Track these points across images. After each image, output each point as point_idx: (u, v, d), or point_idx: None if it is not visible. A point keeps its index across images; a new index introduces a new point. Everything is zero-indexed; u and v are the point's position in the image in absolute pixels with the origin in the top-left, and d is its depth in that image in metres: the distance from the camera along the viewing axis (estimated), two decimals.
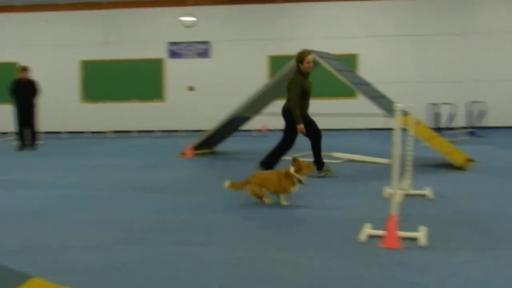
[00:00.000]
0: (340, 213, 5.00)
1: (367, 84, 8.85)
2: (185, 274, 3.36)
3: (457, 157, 7.66)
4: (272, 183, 5.27)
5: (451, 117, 12.02)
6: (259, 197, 5.33)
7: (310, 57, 6.94)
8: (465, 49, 14.87)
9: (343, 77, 7.82)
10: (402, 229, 4.04)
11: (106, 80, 15.92)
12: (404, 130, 5.70)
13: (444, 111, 12.00)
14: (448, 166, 7.51)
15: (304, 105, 7.01)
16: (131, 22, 15.73)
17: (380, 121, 10.84)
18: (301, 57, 6.96)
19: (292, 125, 6.90)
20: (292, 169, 5.20)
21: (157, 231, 4.45)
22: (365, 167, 7.80)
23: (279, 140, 7.16)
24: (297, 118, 6.85)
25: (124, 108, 15.52)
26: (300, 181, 5.23)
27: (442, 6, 14.78)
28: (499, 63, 14.74)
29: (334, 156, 8.82)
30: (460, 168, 7.39)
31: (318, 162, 7.05)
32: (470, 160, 7.97)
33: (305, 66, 6.95)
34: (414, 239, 3.93)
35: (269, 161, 7.13)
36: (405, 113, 6.03)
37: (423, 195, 5.61)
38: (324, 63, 7.88)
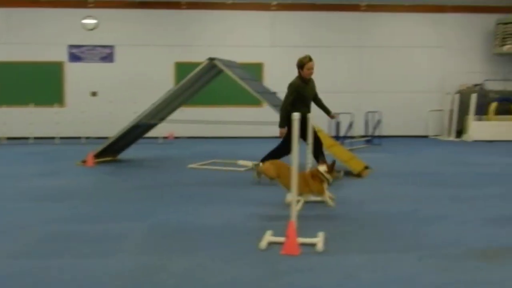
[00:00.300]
0: (243, 220, 5.05)
1: (271, 93, 9.05)
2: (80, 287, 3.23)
3: (355, 165, 8.05)
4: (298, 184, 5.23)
5: (351, 126, 12.63)
6: (260, 174, 5.52)
7: (311, 64, 7.04)
8: (363, 61, 15.70)
9: (247, 85, 7.93)
10: (302, 235, 4.17)
11: (0, 83, 14.92)
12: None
13: (344, 120, 12.58)
14: (348, 173, 7.86)
15: (302, 110, 6.73)
16: (29, 22, 14.88)
17: None
18: (302, 63, 7.06)
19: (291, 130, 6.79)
20: (322, 168, 5.33)
21: (53, 242, 4.23)
22: None
23: (279, 143, 7.24)
24: (282, 120, 6.90)
25: (20, 113, 14.61)
26: (328, 181, 5.35)
27: (342, 20, 15.50)
28: (393, 76, 15.72)
29: (239, 163, 8.91)
30: (358, 175, 7.76)
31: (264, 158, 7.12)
32: (367, 167, 8.41)
33: (305, 72, 7.05)
34: (313, 245, 4.07)
35: (268, 157, 7.14)
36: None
37: (323, 201, 5.82)
38: (228, 71, 7.95)
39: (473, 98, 14.49)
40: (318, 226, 4.63)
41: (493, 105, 14.62)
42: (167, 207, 5.65)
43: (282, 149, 7.21)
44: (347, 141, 12.31)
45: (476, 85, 15.44)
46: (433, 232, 4.64)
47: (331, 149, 7.88)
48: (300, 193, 5.28)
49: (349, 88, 15.61)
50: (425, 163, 9.69)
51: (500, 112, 14.67)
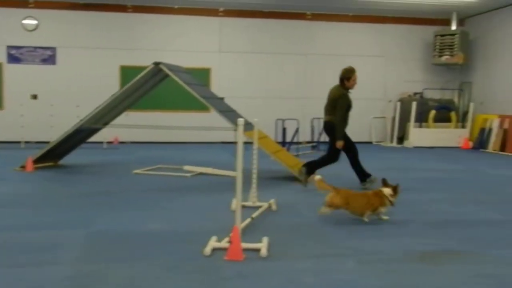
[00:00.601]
0: (188, 226, 5.01)
1: (217, 98, 9.04)
2: None
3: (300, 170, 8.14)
4: (359, 203, 5.31)
5: (297, 131, 12.79)
6: (332, 208, 5.31)
7: (356, 75, 7.25)
8: (309, 68, 15.96)
9: (193, 90, 7.89)
10: (247, 240, 4.18)
11: None
12: (251, 144, 5.93)
13: (291, 126, 12.73)
14: (293, 178, 7.95)
15: (347, 120, 7.23)
16: None
17: (231, 135, 11.12)
18: (349, 74, 7.27)
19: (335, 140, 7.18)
20: (387, 191, 5.35)
21: None
22: (216, 180, 7.92)
23: (325, 152, 7.55)
24: (339, 133, 7.13)
25: None
26: (391, 203, 5.35)
27: (289, 27, 15.70)
28: (335, 83, 16.01)
29: (185, 169, 8.80)
30: (303, 181, 7.85)
31: (362, 175, 7.46)
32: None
33: (351, 83, 7.28)
34: (257, 250, 4.08)
35: (313, 166, 7.45)
36: (250, 127, 6.26)
37: (268, 207, 5.85)
38: (174, 76, 7.88)
39: (414, 106, 15.01)
40: (263, 232, 4.65)
41: (432, 113, 15.19)
42: (109, 213, 5.52)
43: (327, 161, 7.46)
44: (293, 146, 12.45)
45: (416, 93, 16.01)
46: (373, 236, 4.76)
47: (276, 155, 7.95)
48: (362, 213, 5.32)
49: (295, 94, 15.81)
50: (368, 168, 9.91)
51: (438, 119, 15.27)
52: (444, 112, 15.37)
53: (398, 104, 15.64)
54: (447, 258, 4.12)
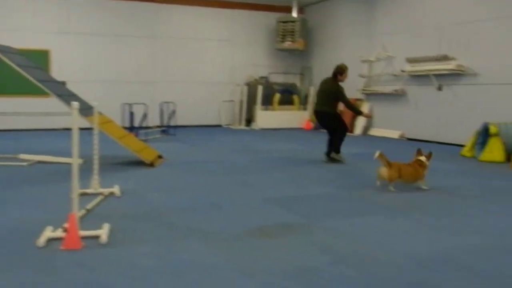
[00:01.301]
0: (22, 219, 4.65)
1: (56, 82, 8.48)
2: None
3: (147, 154, 8.03)
4: (410, 173, 6.12)
5: (145, 116, 12.55)
6: (389, 181, 6.05)
7: (348, 72, 8.61)
8: (157, 52, 15.71)
9: (27, 73, 7.29)
10: (87, 228, 4.02)
11: None
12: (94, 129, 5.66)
13: (139, 111, 12.44)
14: (140, 164, 7.80)
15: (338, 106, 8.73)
16: None
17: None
18: (343, 70, 8.51)
19: (334, 120, 8.59)
20: (424, 158, 6.21)
21: None
22: (56, 168, 7.45)
23: (335, 133, 8.61)
24: (358, 109, 9.14)
25: None
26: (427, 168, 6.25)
27: (136, 9, 15.25)
28: (187, 67, 16.07)
29: (21, 158, 8.17)
30: (150, 165, 7.75)
31: (331, 150, 8.64)
32: (160, 157, 8.47)
33: (343, 77, 8.52)
34: (96, 237, 3.94)
35: (337, 148, 8.59)
36: (91, 112, 5.98)
37: (111, 193, 5.68)
38: (3, 58, 7.20)
39: (260, 89, 15.61)
40: (104, 219, 4.50)
41: (277, 96, 15.96)
42: None
43: (341, 133, 8.59)
44: (142, 131, 12.21)
45: (262, 77, 16.66)
46: (217, 217, 4.88)
47: (122, 140, 7.72)
48: (415, 181, 6.17)
49: (143, 78, 15.47)
50: (217, 151, 10.13)
51: (283, 102, 16.09)
52: (288, 95, 16.23)
53: (245, 88, 16.13)
54: (284, 231, 4.38)
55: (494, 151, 8.86)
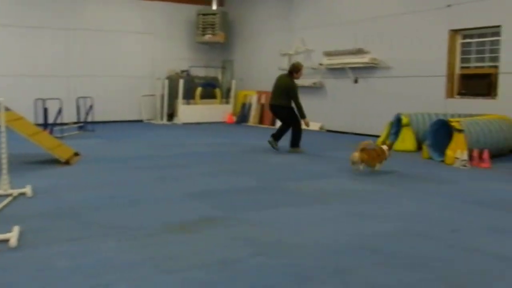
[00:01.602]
0: None
1: None
2: None
3: (62, 152, 7.68)
4: (373, 158, 7.02)
5: (60, 112, 11.98)
6: (362, 162, 6.91)
7: (303, 70, 9.33)
8: (73, 44, 15.07)
9: None
10: None
11: None
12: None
13: (54, 107, 11.86)
14: (55, 162, 7.45)
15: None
16: None
17: None
18: (298, 68, 9.18)
19: (291, 114, 9.09)
20: (385, 147, 7.26)
21: None
22: None
23: (290, 128, 9.14)
24: (303, 112, 8.97)
25: None
26: (387, 157, 7.21)
27: (50, 0, 14.53)
28: (105, 60, 15.55)
29: None
30: (66, 163, 7.43)
31: (277, 138, 9.16)
32: (77, 154, 8.13)
33: (298, 75, 9.22)
34: (5, 241, 3.71)
35: (295, 141, 9.09)
36: None
37: (23, 193, 5.38)
38: None
39: (181, 83, 15.42)
40: (15, 221, 4.25)
41: (199, 90, 15.84)
42: None
43: (296, 129, 9.07)
44: (57, 128, 11.67)
45: (183, 71, 16.47)
46: (136, 213, 4.76)
47: (34, 137, 7.33)
48: (374, 165, 7.04)
49: (57, 72, 14.80)
50: (138, 147, 9.90)
51: (204, 96, 16.00)
52: (210, 89, 16.16)
53: (166, 81, 15.88)
54: (206, 225, 4.35)
55: (406, 140, 9.31)
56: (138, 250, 3.67)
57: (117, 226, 4.29)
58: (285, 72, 9.64)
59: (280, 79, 9.37)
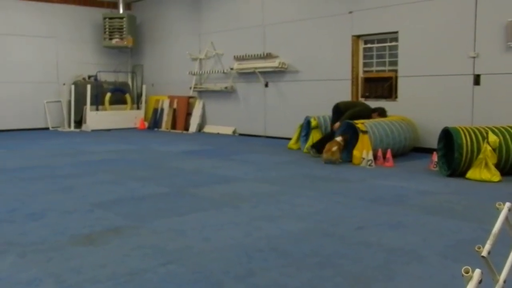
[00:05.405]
0: None
1: None
2: None
3: None
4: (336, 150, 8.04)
5: None
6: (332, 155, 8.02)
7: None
8: None
9: None
10: None
11: None
12: None
13: None
14: None
15: None
16: None
17: None
18: None
19: None
20: (340, 139, 8.11)
21: None
22: None
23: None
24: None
25: None
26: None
27: None
28: (2, 66, 14.62)
29: None
30: None
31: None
32: None
33: None
34: None
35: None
36: None
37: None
38: None
39: (89, 88, 14.85)
40: None
41: (108, 96, 15.35)
42: None
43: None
44: None
45: (90, 76, 15.86)
46: (37, 227, 4.51)
47: None
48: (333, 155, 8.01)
49: None
50: (40, 156, 9.39)
51: (114, 102, 15.53)
52: (119, 95, 15.72)
53: (73, 87, 15.22)
54: (113, 235, 4.20)
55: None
56: (41, 266, 3.47)
57: (16, 241, 4.03)
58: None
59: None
